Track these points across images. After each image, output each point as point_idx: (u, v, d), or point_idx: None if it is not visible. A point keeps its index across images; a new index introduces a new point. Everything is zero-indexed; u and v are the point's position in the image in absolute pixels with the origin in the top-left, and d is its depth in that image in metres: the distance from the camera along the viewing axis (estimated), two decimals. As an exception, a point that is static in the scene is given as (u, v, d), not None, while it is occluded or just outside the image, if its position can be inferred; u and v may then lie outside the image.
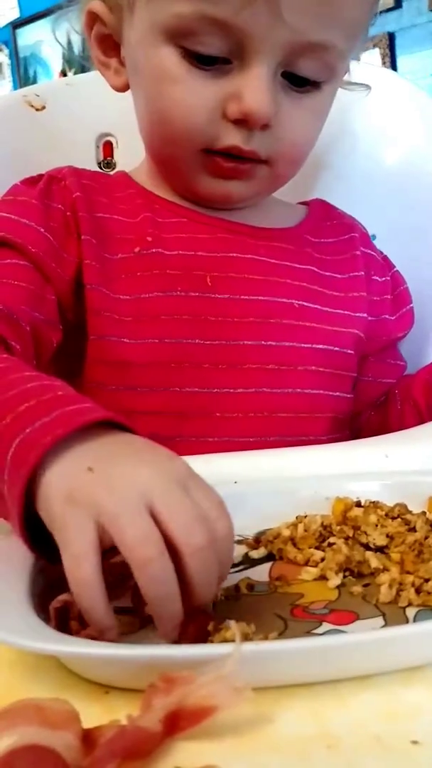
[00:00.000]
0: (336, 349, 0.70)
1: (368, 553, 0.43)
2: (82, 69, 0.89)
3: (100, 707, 0.32)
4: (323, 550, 0.44)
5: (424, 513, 0.47)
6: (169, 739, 0.29)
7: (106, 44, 0.68)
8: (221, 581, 0.37)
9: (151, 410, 0.65)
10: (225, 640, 0.35)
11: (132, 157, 0.76)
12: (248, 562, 0.45)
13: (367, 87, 0.76)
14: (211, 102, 0.60)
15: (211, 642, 0.35)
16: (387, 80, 0.87)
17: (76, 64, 3.06)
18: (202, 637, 0.35)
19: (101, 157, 0.87)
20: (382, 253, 0.79)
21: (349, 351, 0.71)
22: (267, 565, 0.44)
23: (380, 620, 0.37)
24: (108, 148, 0.87)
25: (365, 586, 0.40)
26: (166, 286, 0.65)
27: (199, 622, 0.36)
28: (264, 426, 0.67)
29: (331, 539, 0.45)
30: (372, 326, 0.74)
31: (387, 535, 0.44)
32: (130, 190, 0.71)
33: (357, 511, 0.47)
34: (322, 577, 0.42)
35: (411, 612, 0.38)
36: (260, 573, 0.43)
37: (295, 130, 0.64)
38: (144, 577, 0.34)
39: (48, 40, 3.53)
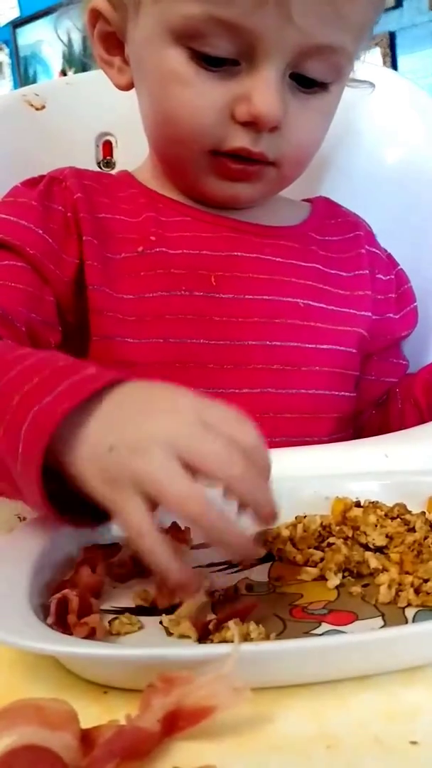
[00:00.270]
0: (340, 348, 0.70)
1: (367, 554, 0.43)
2: (83, 68, 0.89)
3: (98, 707, 0.32)
4: (322, 551, 0.44)
5: (423, 513, 0.47)
6: (168, 739, 0.29)
7: (109, 42, 0.67)
8: (268, 482, 0.39)
9: None
10: (224, 640, 0.35)
11: (132, 156, 0.76)
12: (248, 562, 0.45)
13: (371, 85, 0.75)
14: (219, 104, 0.60)
15: (212, 642, 0.35)
16: (387, 80, 0.87)
17: (76, 63, 3.06)
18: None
19: (101, 157, 0.87)
20: (386, 251, 0.79)
21: (352, 350, 0.71)
22: (266, 566, 0.44)
23: (379, 620, 0.37)
24: (108, 147, 0.87)
25: (364, 586, 0.40)
26: (170, 286, 0.65)
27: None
28: (269, 427, 0.66)
29: (331, 539, 0.45)
30: (376, 325, 0.73)
31: (386, 536, 0.44)
32: (132, 190, 0.71)
33: (356, 512, 0.47)
34: (322, 578, 0.42)
35: (410, 612, 0.38)
36: (259, 573, 0.43)
37: (303, 131, 0.64)
38: (203, 529, 0.37)
39: (48, 40, 3.53)
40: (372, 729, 0.30)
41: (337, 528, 0.46)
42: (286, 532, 0.45)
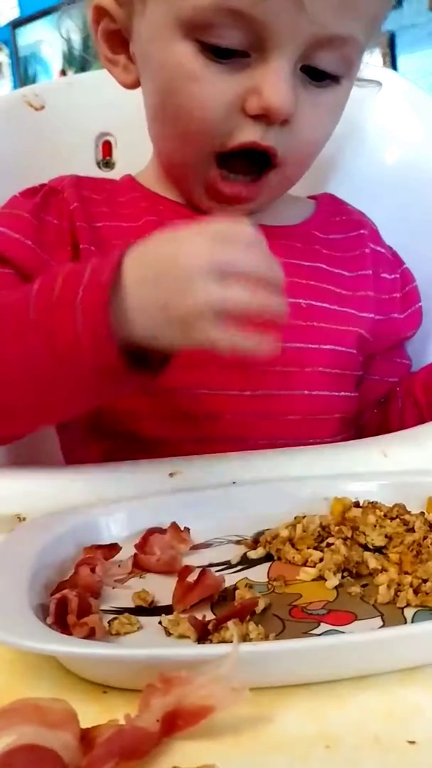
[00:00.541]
0: (341, 349, 0.70)
1: (367, 554, 0.43)
2: (82, 68, 0.89)
3: (98, 707, 0.32)
4: (322, 551, 0.44)
5: (422, 513, 0.47)
6: (167, 738, 0.29)
7: (113, 41, 0.66)
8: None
9: (158, 412, 0.65)
10: (223, 641, 0.35)
11: (131, 156, 0.76)
12: (247, 562, 0.45)
13: (378, 83, 0.75)
14: (229, 97, 0.59)
15: (210, 642, 0.35)
16: (387, 80, 0.87)
17: (76, 63, 3.06)
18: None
19: (100, 157, 0.87)
20: (391, 248, 0.78)
21: (352, 351, 0.71)
22: (265, 566, 0.44)
23: (378, 621, 0.37)
24: (107, 147, 0.87)
25: (363, 586, 0.40)
26: None
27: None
28: (272, 428, 0.66)
29: (330, 540, 0.45)
30: (380, 325, 0.73)
31: (385, 536, 0.44)
32: (134, 194, 0.71)
33: (355, 512, 0.47)
34: (321, 578, 0.42)
35: (409, 612, 0.38)
36: (259, 573, 0.43)
37: (313, 127, 0.62)
38: (248, 308, 0.45)
39: (48, 40, 3.53)
40: (371, 729, 0.30)
41: (336, 528, 0.46)
42: (285, 533, 0.45)
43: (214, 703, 0.29)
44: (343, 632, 0.36)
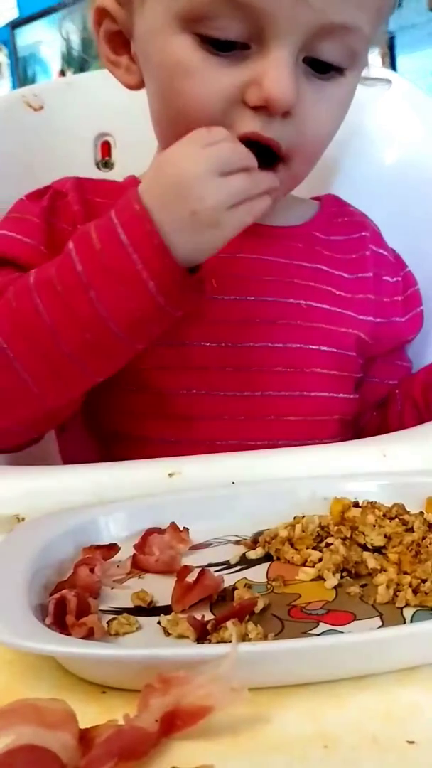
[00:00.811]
0: (341, 351, 0.70)
1: (366, 554, 0.43)
2: (81, 69, 0.89)
3: (97, 707, 0.32)
4: (321, 551, 0.44)
5: (421, 513, 0.47)
6: (166, 739, 0.29)
7: (115, 42, 0.65)
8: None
9: (158, 413, 0.65)
10: (222, 641, 0.35)
11: (130, 157, 0.76)
12: (246, 562, 0.45)
13: (388, 82, 0.74)
14: (229, 90, 0.57)
15: (209, 642, 0.35)
16: (386, 80, 0.87)
17: (74, 63, 3.06)
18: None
19: (99, 157, 0.87)
20: (393, 251, 0.78)
21: (351, 353, 0.70)
22: (264, 566, 0.44)
23: (377, 621, 0.37)
24: (106, 147, 0.87)
25: (362, 586, 0.40)
26: None
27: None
28: (273, 430, 0.66)
29: (329, 540, 0.45)
30: (380, 328, 0.73)
31: (384, 536, 0.44)
32: None
33: (355, 512, 0.47)
34: (320, 578, 0.42)
35: (408, 612, 0.38)
36: (258, 573, 0.43)
37: (317, 119, 0.61)
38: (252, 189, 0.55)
39: (47, 40, 3.53)
40: (369, 729, 0.30)
41: (336, 528, 0.46)
42: (284, 533, 0.45)
43: (213, 703, 0.29)
44: (342, 632, 0.36)
